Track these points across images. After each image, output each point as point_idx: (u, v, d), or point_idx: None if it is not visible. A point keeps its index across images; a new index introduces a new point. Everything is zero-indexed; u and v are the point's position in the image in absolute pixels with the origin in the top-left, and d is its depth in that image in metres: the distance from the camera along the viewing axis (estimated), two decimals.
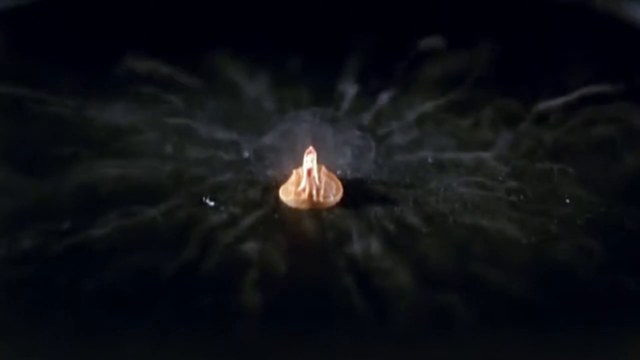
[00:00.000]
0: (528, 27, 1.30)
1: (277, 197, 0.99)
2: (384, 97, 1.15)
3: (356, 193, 1.00)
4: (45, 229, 0.93)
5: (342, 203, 0.99)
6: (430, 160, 1.05)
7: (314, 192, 0.97)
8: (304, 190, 0.98)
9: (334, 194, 0.99)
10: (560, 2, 1.31)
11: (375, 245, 0.93)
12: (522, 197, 0.99)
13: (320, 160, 0.99)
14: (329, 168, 1.02)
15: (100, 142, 1.06)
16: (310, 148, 0.99)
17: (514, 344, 0.83)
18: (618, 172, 1.04)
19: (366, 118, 1.12)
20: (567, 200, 0.99)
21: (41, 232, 0.92)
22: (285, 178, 1.01)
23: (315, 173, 0.98)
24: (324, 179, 0.99)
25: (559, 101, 1.13)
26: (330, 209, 0.98)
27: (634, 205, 0.98)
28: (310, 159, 0.98)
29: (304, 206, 0.98)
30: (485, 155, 1.06)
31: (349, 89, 1.16)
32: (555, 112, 1.12)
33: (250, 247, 0.92)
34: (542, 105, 1.13)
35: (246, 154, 1.06)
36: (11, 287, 0.88)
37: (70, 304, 0.85)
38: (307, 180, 0.97)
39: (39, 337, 0.83)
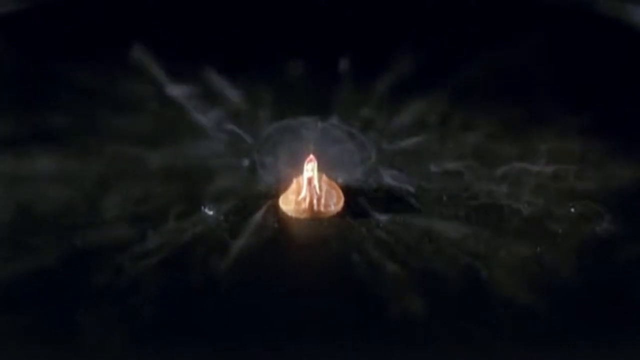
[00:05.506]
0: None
1: (277, 206, 0.98)
2: (385, 105, 1.14)
3: (357, 202, 0.99)
4: None
5: (343, 212, 0.98)
6: (433, 168, 1.04)
7: (315, 201, 0.97)
8: (304, 199, 0.97)
9: (335, 203, 0.98)
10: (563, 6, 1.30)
11: (376, 255, 0.92)
12: (526, 205, 0.99)
13: (321, 169, 0.98)
14: (329, 176, 1.01)
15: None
16: (311, 156, 0.98)
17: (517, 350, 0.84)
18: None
19: (368, 126, 1.11)
20: (572, 210, 0.98)
21: None
22: (285, 187, 1.00)
23: (315, 182, 0.97)
24: (324, 187, 0.98)
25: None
26: (331, 218, 0.97)
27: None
28: (310, 168, 0.97)
29: (304, 215, 0.97)
30: (488, 164, 1.05)
31: (350, 97, 1.16)
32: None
33: (250, 256, 0.92)
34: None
35: (246, 162, 1.05)
36: None
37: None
38: (307, 189, 0.97)
39: None
